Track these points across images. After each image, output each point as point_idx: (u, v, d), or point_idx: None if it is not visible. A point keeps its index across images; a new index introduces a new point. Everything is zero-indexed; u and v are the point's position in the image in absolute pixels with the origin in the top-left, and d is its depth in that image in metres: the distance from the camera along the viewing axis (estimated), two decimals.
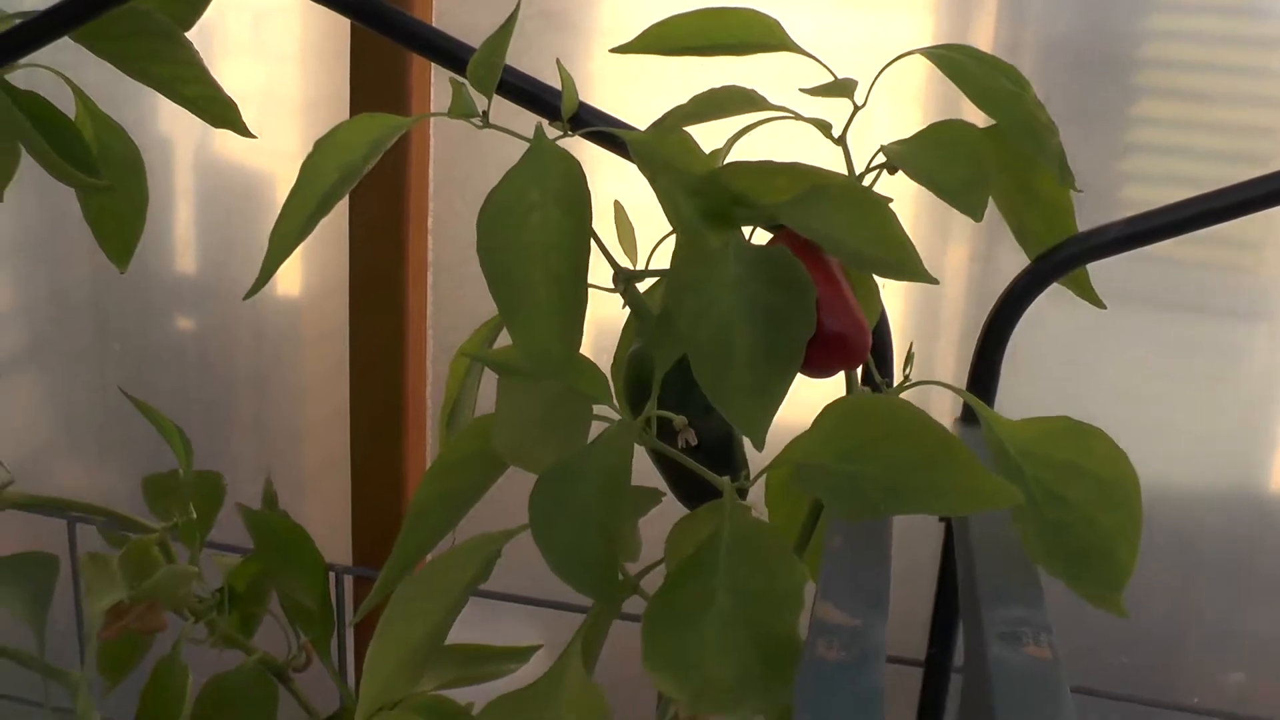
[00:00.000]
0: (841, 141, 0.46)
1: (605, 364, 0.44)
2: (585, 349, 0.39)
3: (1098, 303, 0.50)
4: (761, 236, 0.45)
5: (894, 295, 0.84)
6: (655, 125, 0.44)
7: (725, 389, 0.36)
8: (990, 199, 0.42)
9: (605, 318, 0.51)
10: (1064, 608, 0.39)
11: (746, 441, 0.44)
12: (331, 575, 0.62)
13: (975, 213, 0.40)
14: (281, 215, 0.43)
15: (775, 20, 0.48)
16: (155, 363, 1.02)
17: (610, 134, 0.46)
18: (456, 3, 0.85)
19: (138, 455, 0.99)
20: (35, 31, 0.53)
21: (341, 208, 0.89)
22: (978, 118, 0.46)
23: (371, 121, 0.44)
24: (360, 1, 0.51)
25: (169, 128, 0.98)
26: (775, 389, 0.36)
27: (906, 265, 0.39)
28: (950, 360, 0.89)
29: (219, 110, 0.58)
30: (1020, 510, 0.36)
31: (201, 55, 0.57)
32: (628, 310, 0.46)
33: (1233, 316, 0.87)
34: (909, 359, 0.43)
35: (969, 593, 0.38)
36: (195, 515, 0.58)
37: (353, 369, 0.91)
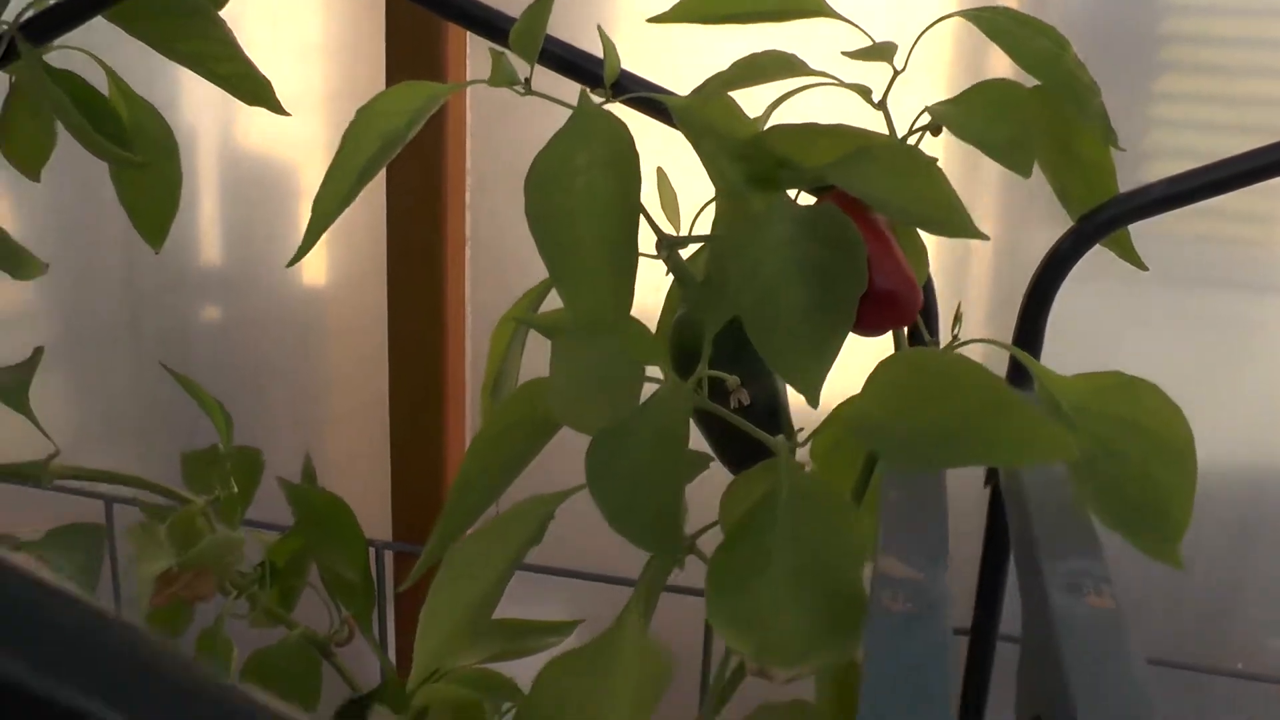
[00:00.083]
0: (882, 106, 0.45)
1: None
2: None
3: (1139, 264, 0.50)
4: (805, 201, 0.45)
5: None
6: (697, 91, 0.44)
7: (779, 347, 0.36)
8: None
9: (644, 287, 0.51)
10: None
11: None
12: (371, 551, 0.62)
13: (1023, 169, 0.40)
14: (323, 184, 0.43)
15: None
16: (187, 348, 1.02)
17: (652, 100, 0.46)
18: None
19: (169, 443, 1.00)
20: (71, 11, 0.53)
21: (379, 187, 0.89)
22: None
23: (413, 89, 0.44)
24: None
25: (192, 118, 0.98)
26: (828, 346, 0.36)
27: (955, 221, 0.39)
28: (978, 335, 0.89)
29: (252, 88, 0.58)
30: (1078, 465, 0.36)
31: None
32: (668, 280, 0.46)
33: (1247, 290, 0.87)
34: (957, 318, 0.43)
35: (1025, 548, 0.38)
36: (236, 489, 0.58)
37: (391, 346, 0.91)
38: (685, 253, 0.46)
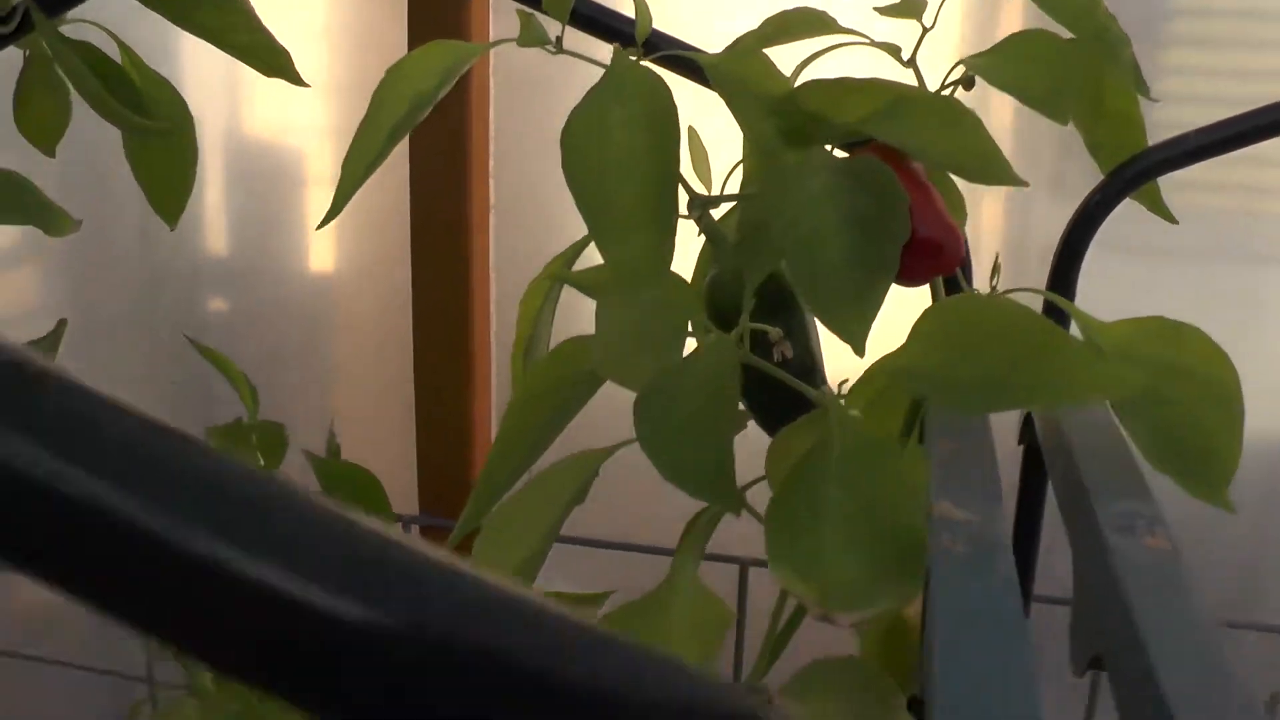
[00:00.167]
0: (912, 63, 0.45)
1: None
2: None
3: (1169, 217, 0.50)
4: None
5: None
6: (729, 49, 0.44)
7: (823, 299, 0.36)
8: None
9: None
10: None
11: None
12: (399, 525, 0.62)
13: (1062, 117, 0.40)
14: (352, 146, 0.43)
15: None
16: (205, 329, 1.02)
17: (683, 58, 0.45)
18: None
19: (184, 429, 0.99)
20: None
21: (401, 166, 0.89)
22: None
23: (442, 49, 0.43)
24: None
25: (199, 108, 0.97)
26: (873, 295, 0.36)
27: (995, 169, 0.38)
28: None
29: (270, 58, 0.58)
30: (1128, 408, 0.36)
31: None
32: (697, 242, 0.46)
33: (1254, 262, 0.87)
34: (995, 268, 0.43)
35: (1072, 494, 0.38)
36: (261, 464, 0.58)
37: (416, 318, 0.91)
38: (716, 214, 0.46)
